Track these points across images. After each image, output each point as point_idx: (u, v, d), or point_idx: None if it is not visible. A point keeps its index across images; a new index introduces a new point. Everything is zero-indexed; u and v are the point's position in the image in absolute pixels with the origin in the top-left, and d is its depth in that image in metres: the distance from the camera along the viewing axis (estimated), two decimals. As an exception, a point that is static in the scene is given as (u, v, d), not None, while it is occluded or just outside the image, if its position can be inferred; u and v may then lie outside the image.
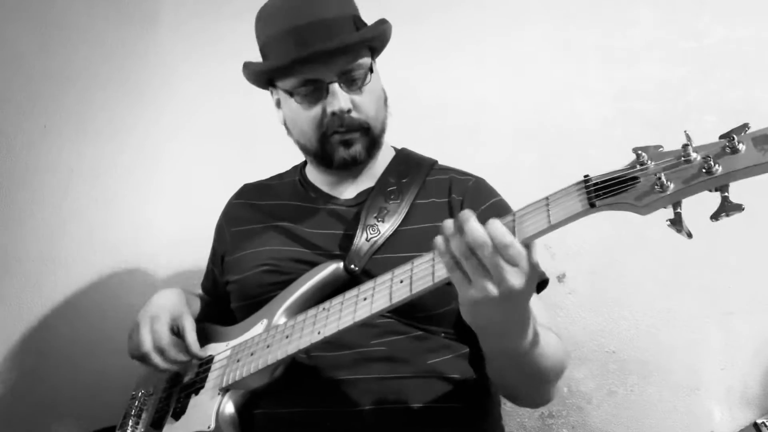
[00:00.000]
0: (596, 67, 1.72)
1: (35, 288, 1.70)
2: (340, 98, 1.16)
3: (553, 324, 1.14)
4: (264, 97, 1.75)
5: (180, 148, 1.80)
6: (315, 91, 1.18)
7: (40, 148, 1.76)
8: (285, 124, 1.29)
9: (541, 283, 1.20)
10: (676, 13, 1.70)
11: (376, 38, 1.22)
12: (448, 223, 0.84)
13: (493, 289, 0.81)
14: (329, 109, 1.17)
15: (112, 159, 1.78)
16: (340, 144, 1.20)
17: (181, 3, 1.85)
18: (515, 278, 0.81)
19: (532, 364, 0.98)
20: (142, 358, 1.17)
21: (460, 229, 0.82)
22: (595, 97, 1.72)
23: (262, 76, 1.24)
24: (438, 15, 1.77)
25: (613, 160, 1.73)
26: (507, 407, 1.60)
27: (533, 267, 0.83)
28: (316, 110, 1.19)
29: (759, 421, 1.53)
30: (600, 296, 1.66)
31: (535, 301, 1.16)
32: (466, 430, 1.10)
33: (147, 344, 1.16)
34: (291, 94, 1.20)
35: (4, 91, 1.77)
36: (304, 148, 1.27)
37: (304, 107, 1.20)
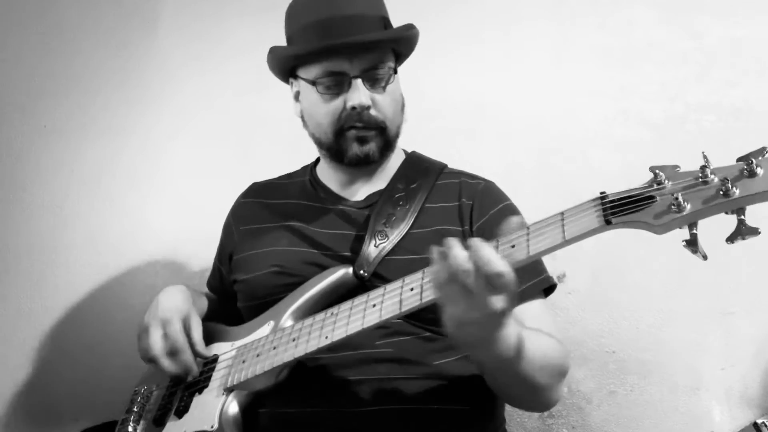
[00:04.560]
0: (596, 67, 1.72)
1: (35, 288, 1.70)
2: (361, 94, 1.17)
3: (554, 329, 1.14)
4: (264, 99, 1.76)
5: (180, 149, 1.80)
6: (337, 84, 1.19)
7: (40, 148, 1.76)
8: (302, 117, 1.29)
9: (549, 287, 1.20)
10: (676, 13, 1.70)
11: (403, 41, 1.24)
12: (437, 249, 0.86)
13: (476, 312, 0.83)
14: (349, 104, 1.17)
15: (112, 160, 1.78)
16: (355, 140, 1.20)
17: (182, 4, 1.85)
18: (499, 302, 0.83)
19: (523, 370, 0.98)
20: (152, 361, 1.17)
21: (445, 254, 0.84)
22: (595, 97, 1.71)
23: (287, 63, 1.24)
24: (437, 15, 1.77)
25: (613, 160, 1.74)
26: (507, 408, 1.60)
27: (515, 289, 0.85)
28: (336, 103, 1.19)
29: (759, 421, 1.53)
30: (600, 296, 1.66)
31: (540, 307, 1.16)
32: (473, 430, 1.10)
33: (157, 348, 1.15)
34: (313, 83, 1.20)
35: (4, 91, 1.77)
36: (318, 142, 1.27)
37: (324, 99, 1.20)
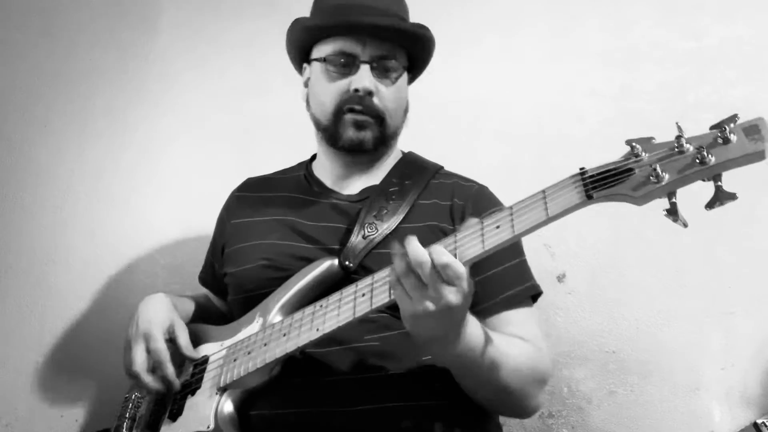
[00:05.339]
0: (596, 67, 1.72)
1: (35, 288, 1.70)
2: (366, 78, 1.20)
3: (539, 336, 1.14)
4: (265, 100, 1.76)
5: (180, 150, 1.80)
6: (346, 65, 1.22)
7: (40, 148, 1.76)
8: (306, 100, 1.32)
9: (536, 295, 1.20)
10: (676, 13, 1.70)
11: (416, 38, 1.26)
12: (396, 245, 0.89)
13: (431, 304, 0.85)
14: (353, 86, 1.20)
15: (112, 160, 1.78)
16: (353, 124, 1.22)
17: (183, 6, 1.85)
18: (453, 296, 0.85)
19: (489, 373, 0.99)
20: (133, 377, 1.17)
21: (403, 249, 0.87)
22: (595, 97, 1.72)
23: (305, 37, 1.27)
24: (438, 15, 1.77)
25: (613, 161, 1.73)
26: (507, 407, 1.60)
27: (470, 285, 0.87)
28: (341, 84, 1.22)
29: (759, 421, 1.53)
30: (600, 296, 1.66)
31: (527, 313, 1.16)
32: (460, 426, 1.10)
33: (138, 364, 1.16)
34: (324, 60, 1.23)
35: (4, 91, 1.78)
36: (317, 123, 1.28)
37: (332, 77, 1.23)
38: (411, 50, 1.28)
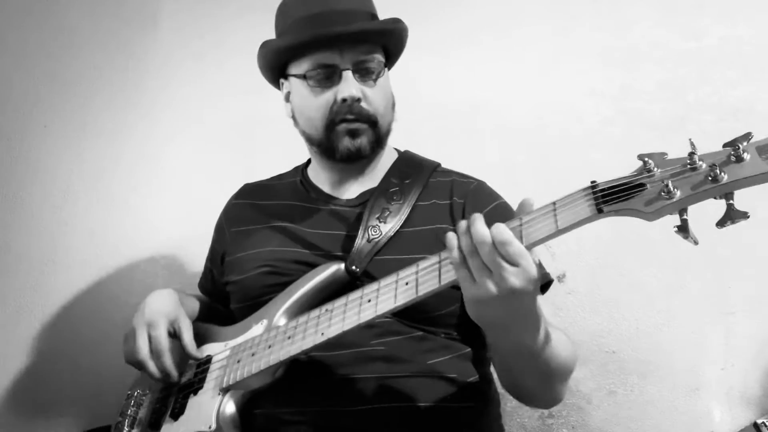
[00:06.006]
0: (596, 67, 1.72)
1: (35, 288, 1.69)
2: (351, 86, 1.17)
3: (556, 322, 1.15)
4: (264, 98, 1.76)
5: (180, 149, 1.80)
6: (328, 77, 1.19)
7: (40, 148, 1.76)
8: (293, 116, 1.29)
9: (545, 284, 1.19)
10: (676, 13, 1.70)
11: (392, 35, 1.24)
12: (462, 223, 0.87)
13: (493, 287, 0.84)
14: (340, 96, 1.17)
15: (112, 160, 1.77)
16: (346, 134, 1.20)
17: (181, 4, 1.85)
18: (515, 278, 0.83)
19: (542, 361, 0.99)
20: (138, 364, 1.17)
21: (468, 228, 0.85)
22: (595, 96, 1.71)
23: (278, 57, 1.24)
24: (437, 15, 1.77)
25: (614, 161, 1.73)
26: (507, 407, 1.60)
27: (535, 268, 0.85)
28: (327, 96, 1.19)
29: (759, 421, 1.53)
30: (600, 296, 1.66)
31: (542, 301, 1.16)
32: (464, 429, 1.10)
33: (143, 351, 1.16)
34: (304, 77, 1.20)
35: (4, 91, 1.77)
36: (309, 138, 1.27)
37: (315, 93, 1.20)
38: (386, 45, 1.26)
